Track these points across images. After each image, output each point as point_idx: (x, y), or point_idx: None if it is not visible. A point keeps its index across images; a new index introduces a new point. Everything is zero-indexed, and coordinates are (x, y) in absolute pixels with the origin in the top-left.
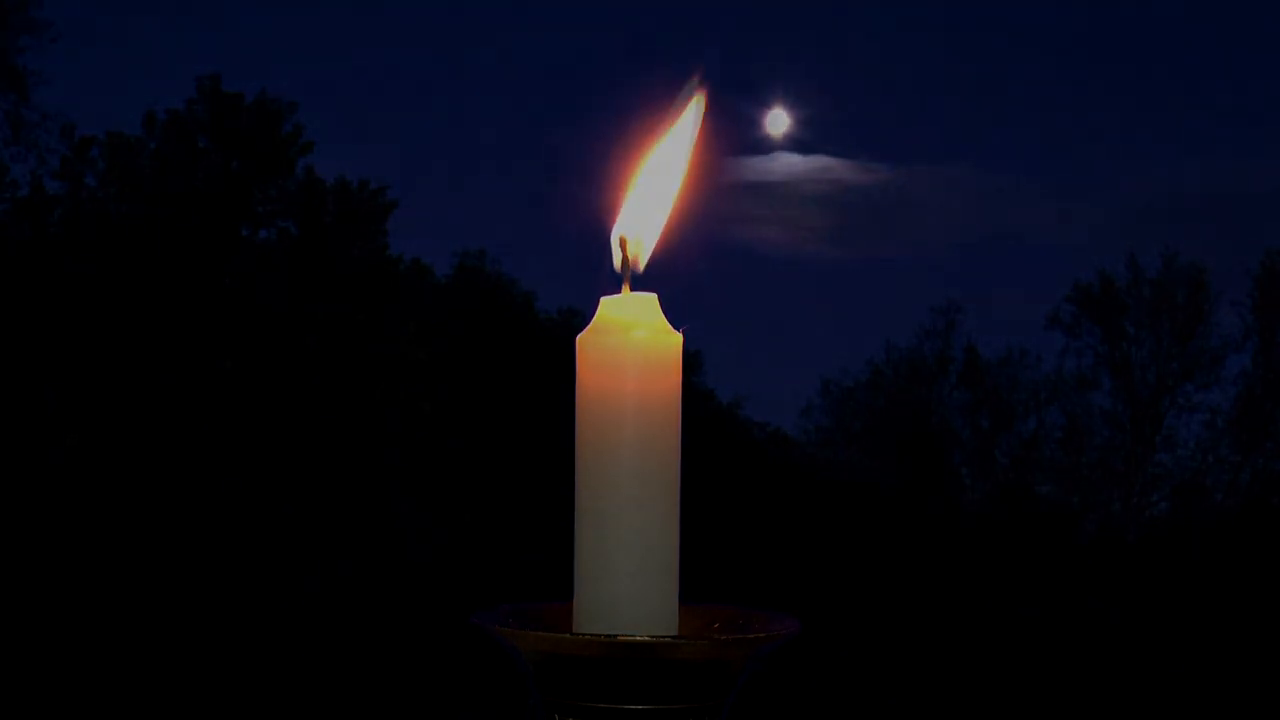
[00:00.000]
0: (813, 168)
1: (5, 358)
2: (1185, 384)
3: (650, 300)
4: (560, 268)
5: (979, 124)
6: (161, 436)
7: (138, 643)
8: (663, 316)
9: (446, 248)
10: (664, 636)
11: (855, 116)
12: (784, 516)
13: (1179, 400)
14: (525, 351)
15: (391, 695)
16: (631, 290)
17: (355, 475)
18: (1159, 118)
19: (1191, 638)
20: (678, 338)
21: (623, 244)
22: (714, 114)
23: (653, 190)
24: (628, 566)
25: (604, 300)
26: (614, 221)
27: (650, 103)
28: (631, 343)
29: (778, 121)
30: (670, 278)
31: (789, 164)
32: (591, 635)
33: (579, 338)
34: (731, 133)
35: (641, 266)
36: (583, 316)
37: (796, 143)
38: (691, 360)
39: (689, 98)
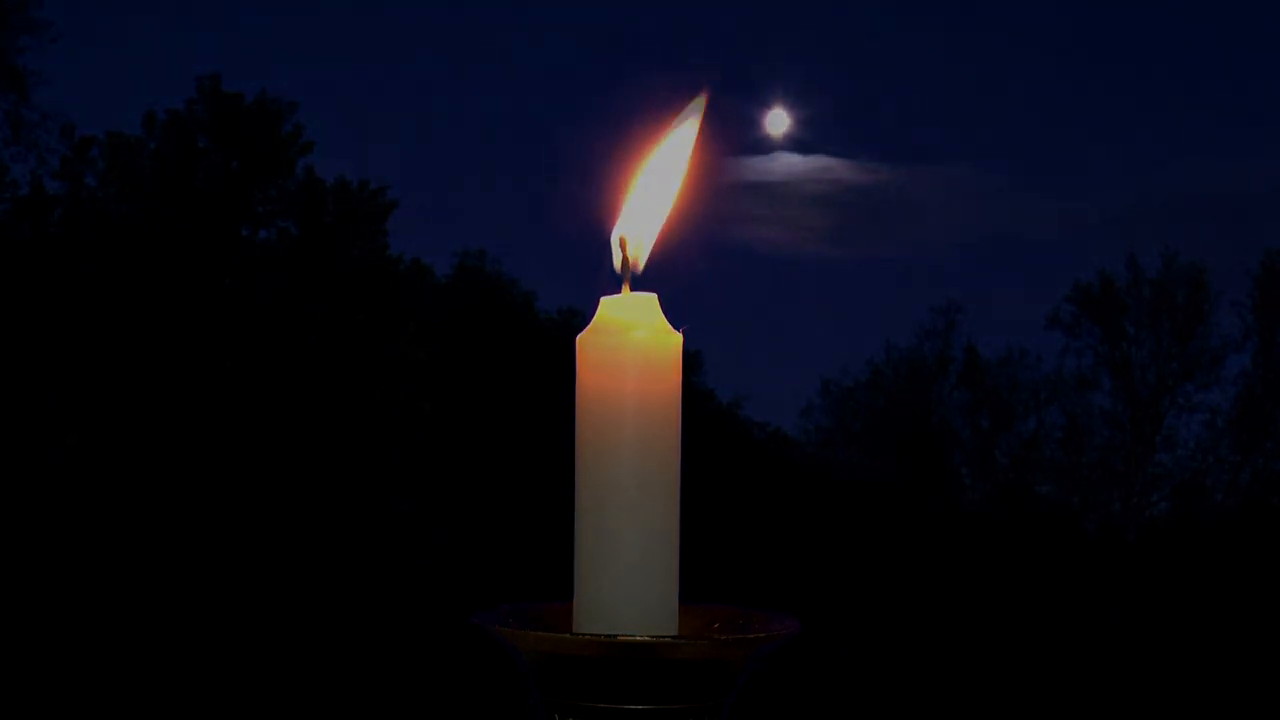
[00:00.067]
0: (813, 168)
1: (5, 358)
2: (1185, 384)
3: (650, 300)
4: (560, 268)
5: (979, 124)
6: (162, 436)
7: (138, 642)
8: (663, 316)
9: (446, 248)
10: (664, 636)
11: (855, 117)
12: (784, 516)
13: (1179, 400)
14: (525, 351)
15: (391, 695)
16: (631, 290)
17: (355, 475)
18: (1159, 118)
19: (1191, 637)
20: (678, 338)
21: (623, 244)
22: (714, 114)
23: (653, 190)
24: (628, 567)
25: (604, 300)
26: (614, 222)
27: (650, 103)
28: (631, 343)
29: (778, 121)
30: (670, 278)
31: (789, 164)
32: (591, 635)
33: (579, 338)
34: (731, 133)
35: (641, 267)
36: (583, 316)
37: (796, 143)
38: (691, 360)
39: (691, 101)
